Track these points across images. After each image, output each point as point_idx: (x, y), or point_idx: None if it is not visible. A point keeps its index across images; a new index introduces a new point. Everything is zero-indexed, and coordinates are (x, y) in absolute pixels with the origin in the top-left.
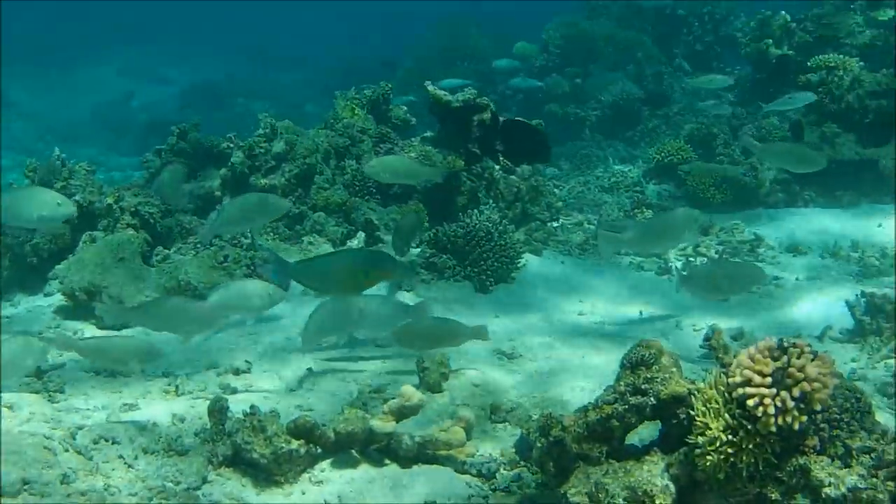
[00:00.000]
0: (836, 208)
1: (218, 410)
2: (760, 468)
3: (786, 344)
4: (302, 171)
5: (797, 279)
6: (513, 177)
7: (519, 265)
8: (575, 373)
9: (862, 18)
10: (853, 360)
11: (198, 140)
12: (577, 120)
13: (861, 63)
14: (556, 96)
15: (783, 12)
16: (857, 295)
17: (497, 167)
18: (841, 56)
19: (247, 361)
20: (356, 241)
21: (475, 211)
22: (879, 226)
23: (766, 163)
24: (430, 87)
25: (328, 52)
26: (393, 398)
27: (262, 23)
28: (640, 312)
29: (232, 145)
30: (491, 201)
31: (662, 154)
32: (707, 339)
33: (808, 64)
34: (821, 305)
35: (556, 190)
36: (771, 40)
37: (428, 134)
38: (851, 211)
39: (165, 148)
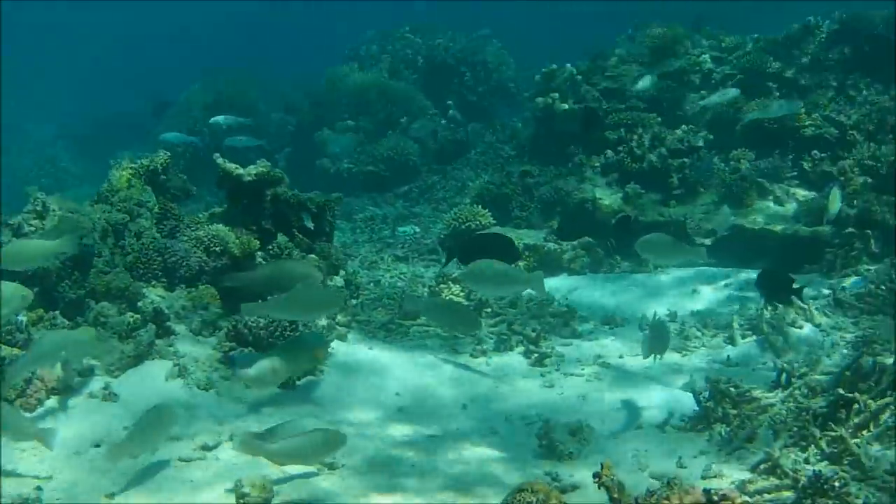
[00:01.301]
0: (645, 273)
1: None
2: None
3: (715, 497)
4: (78, 252)
5: (620, 357)
6: (311, 255)
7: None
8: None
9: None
10: (702, 454)
11: None
12: (350, 176)
13: (660, 119)
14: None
15: (568, 65)
16: (692, 376)
17: (293, 245)
18: (640, 114)
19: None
20: (146, 333)
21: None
22: (694, 291)
23: None
24: (220, 160)
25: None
26: None
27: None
28: (465, 405)
29: None
30: None
31: (459, 219)
32: (596, 475)
33: (607, 122)
34: (651, 387)
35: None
36: (557, 94)
37: (217, 210)
38: (660, 276)
39: None
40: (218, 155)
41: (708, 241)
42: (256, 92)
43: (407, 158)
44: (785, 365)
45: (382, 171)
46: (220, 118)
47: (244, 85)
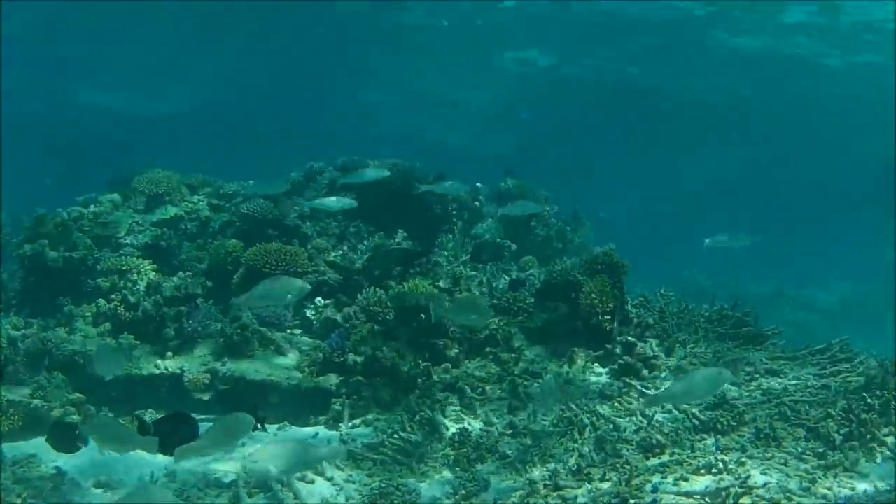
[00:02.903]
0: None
1: None
2: None
3: None
4: None
5: None
6: None
7: None
8: None
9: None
10: None
11: None
12: None
13: (155, 266)
14: None
15: (59, 209)
16: None
17: None
18: (136, 259)
19: None
20: None
21: None
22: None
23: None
24: None
25: None
26: None
27: None
28: None
29: None
30: None
31: None
32: None
33: (98, 268)
34: None
35: None
36: (48, 241)
37: None
38: None
39: None
40: None
41: (206, 397)
42: None
43: None
44: None
45: None
46: None
47: None
